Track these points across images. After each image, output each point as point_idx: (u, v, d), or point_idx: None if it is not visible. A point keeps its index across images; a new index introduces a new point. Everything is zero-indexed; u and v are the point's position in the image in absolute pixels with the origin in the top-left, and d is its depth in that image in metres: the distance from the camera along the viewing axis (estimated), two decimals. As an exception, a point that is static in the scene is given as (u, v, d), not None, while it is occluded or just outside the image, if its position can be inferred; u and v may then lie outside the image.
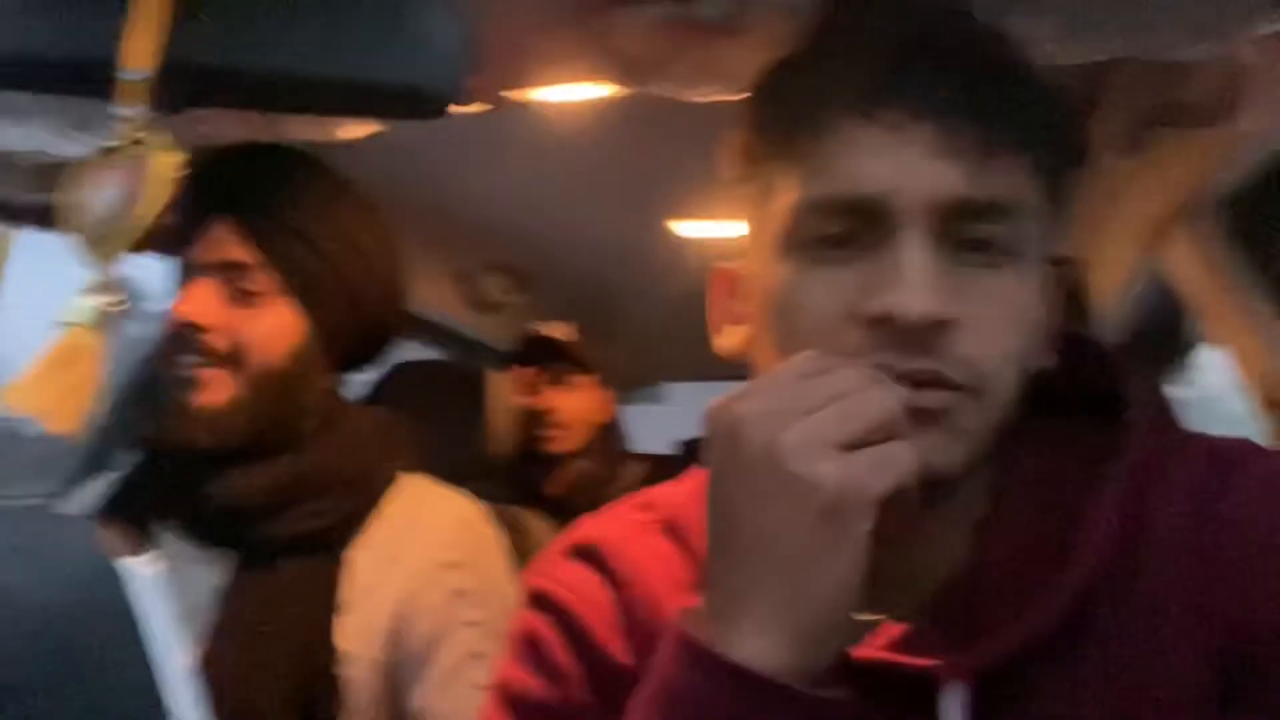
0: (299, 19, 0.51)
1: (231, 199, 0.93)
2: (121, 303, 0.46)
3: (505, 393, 1.54)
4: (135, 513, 0.96)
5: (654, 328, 2.06)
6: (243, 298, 0.92)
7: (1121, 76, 0.90)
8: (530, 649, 0.62)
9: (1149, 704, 0.51)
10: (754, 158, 0.57)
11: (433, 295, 2.03)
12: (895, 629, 0.54)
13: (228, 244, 0.92)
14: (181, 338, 0.90)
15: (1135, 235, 1.33)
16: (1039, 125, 0.53)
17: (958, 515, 0.56)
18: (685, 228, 1.86)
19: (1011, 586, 0.53)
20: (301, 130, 0.93)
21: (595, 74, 0.80)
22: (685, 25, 0.71)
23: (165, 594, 0.31)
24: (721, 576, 0.49)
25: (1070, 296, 1.28)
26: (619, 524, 0.65)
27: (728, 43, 0.72)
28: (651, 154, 1.49)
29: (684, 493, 0.64)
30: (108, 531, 0.32)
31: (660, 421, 2.49)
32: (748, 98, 0.58)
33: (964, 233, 0.51)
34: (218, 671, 0.86)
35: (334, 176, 1.00)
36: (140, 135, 0.44)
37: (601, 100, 1.03)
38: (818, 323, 0.52)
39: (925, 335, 0.50)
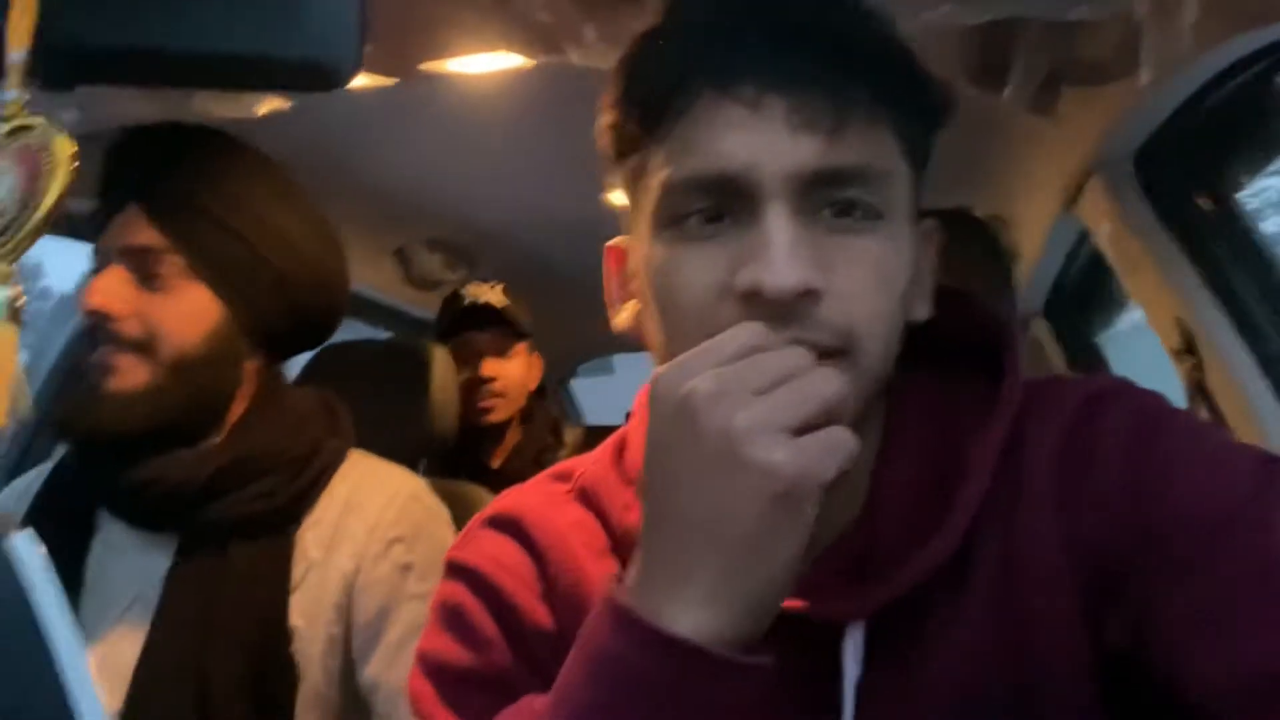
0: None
1: (138, 182, 0.91)
2: (24, 293, 0.46)
3: (448, 369, 1.53)
4: (75, 501, 0.96)
5: (599, 300, 2.07)
6: (153, 282, 0.90)
7: (1026, 36, 0.92)
8: (453, 618, 0.63)
9: (1028, 625, 0.54)
10: (625, 136, 0.57)
11: (373, 274, 2.01)
12: (805, 578, 0.56)
13: (136, 228, 0.90)
14: (94, 326, 0.89)
15: (1053, 192, 1.37)
16: (895, 89, 0.54)
17: (853, 467, 0.58)
18: (624, 198, 1.86)
19: (902, 532, 0.56)
20: (217, 107, 0.93)
21: (506, 43, 0.81)
22: (589, -8, 0.72)
23: (51, 573, 0.31)
24: (661, 550, 0.49)
25: (992, 253, 1.31)
26: (537, 495, 0.66)
27: (633, 9, 0.73)
28: (584, 126, 1.49)
29: (598, 462, 0.65)
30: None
31: (609, 393, 2.51)
32: (614, 75, 0.58)
33: (827, 200, 0.53)
34: (168, 656, 0.88)
35: (248, 155, 0.98)
36: (26, 120, 0.44)
37: (529, 72, 1.03)
38: (693, 300, 0.53)
39: (793, 306, 0.51)
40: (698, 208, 0.54)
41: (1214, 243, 1.13)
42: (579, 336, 2.48)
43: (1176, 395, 1.22)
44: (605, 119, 0.59)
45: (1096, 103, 1.07)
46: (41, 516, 0.96)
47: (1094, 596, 0.54)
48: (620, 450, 0.65)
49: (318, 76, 0.54)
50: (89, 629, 0.91)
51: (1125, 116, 1.08)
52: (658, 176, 0.54)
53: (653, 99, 0.54)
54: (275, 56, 0.52)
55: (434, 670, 0.62)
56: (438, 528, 1.03)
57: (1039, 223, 1.52)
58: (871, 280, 0.53)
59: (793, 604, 0.55)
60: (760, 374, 0.47)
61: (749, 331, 0.49)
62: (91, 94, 0.53)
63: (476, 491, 1.45)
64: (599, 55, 0.80)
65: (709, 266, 0.53)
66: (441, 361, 1.47)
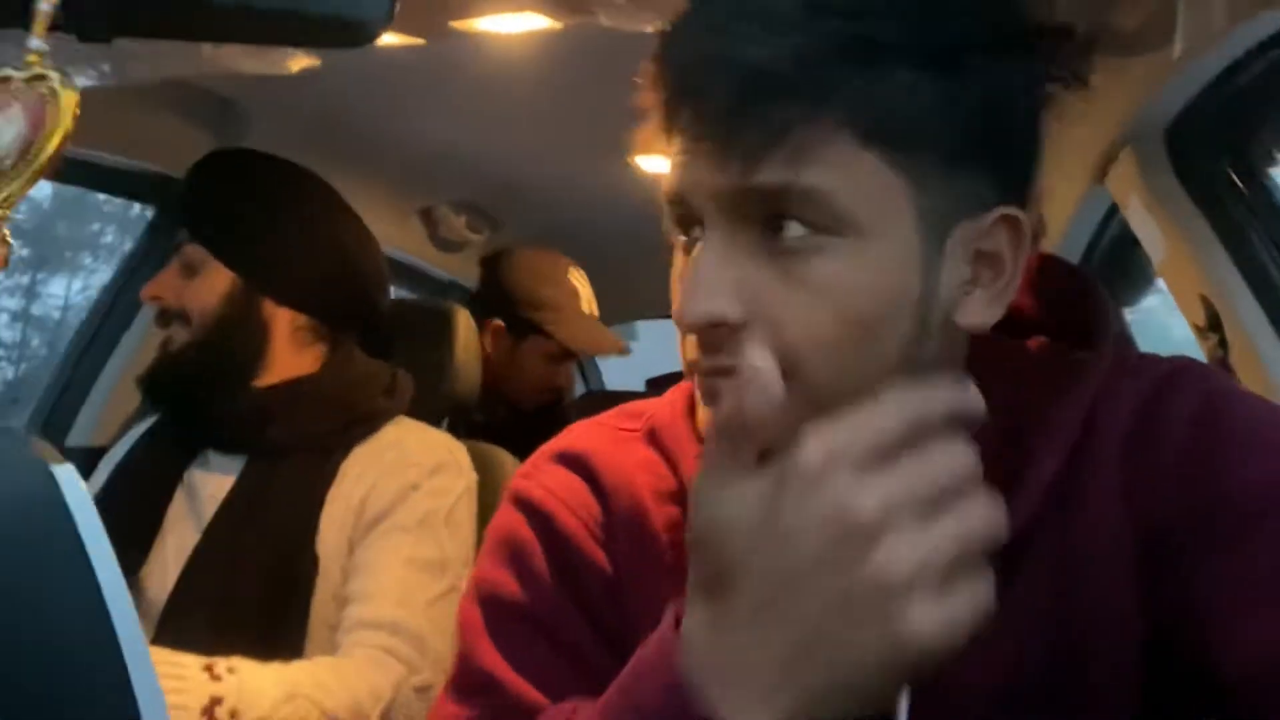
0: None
1: (186, 214, 1.20)
2: (7, 240, 0.47)
3: (471, 330, 1.55)
4: (182, 434, 1.19)
5: (622, 265, 2.07)
6: (189, 271, 1.15)
7: (1056, 6, 0.91)
8: (509, 550, 0.63)
9: (1083, 605, 0.55)
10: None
11: (399, 235, 2.03)
12: None
13: (181, 239, 1.18)
14: (157, 311, 1.17)
15: (1082, 165, 1.36)
16: (852, 105, 0.50)
17: None
18: (649, 162, 1.86)
19: None
20: (248, 63, 0.94)
21: (534, 4, 0.81)
22: (617, -46, 0.72)
23: (93, 503, 0.33)
24: (734, 630, 0.45)
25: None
26: (605, 433, 0.66)
27: (660, -29, 0.72)
28: (612, 89, 1.49)
29: (670, 405, 0.65)
30: (42, 441, 0.34)
31: (632, 359, 2.51)
32: (646, 66, 0.55)
33: (763, 221, 0.51)
34: (219, 538, 1.08)
35: (259, 161, 1.20)
36: (42, 70, 0.45)
37: (555, 34, 1.03)
38: (676, 317, 0.53)
39: (717, 334, 0.50)
40: (677, 223, 0.54)
41: (1243, 220, 1.12)
42: (602, 302, 2.49)
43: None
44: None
45: (1128, 75, 1.06)
46: (153, 442, 1.20)
47: (1147, 576, 0.54)
48: (692, 406, 0.65)
49: (348, 31, 0.54)
50: (179, 519, 1.12)
51: (1157, 90, 1.07)
52: None
53: (651, 108, 0.54)
54: (305, 10, 0.52)
55: (485, 599, 0.63)
56: (455, 477, 1.15)
57: (1068, 196, 1.51)
58: (813, 301, 0.50)
59: None
60: (926, 485, 0.43)
61: (909, 406, 0.45)
62: (124, 48, 0.54)
63: (498, 452, 1.47)
64: (627, 17, 0.80)
65: (679, 281, 0.54)
66: (464, 323, 1.49)
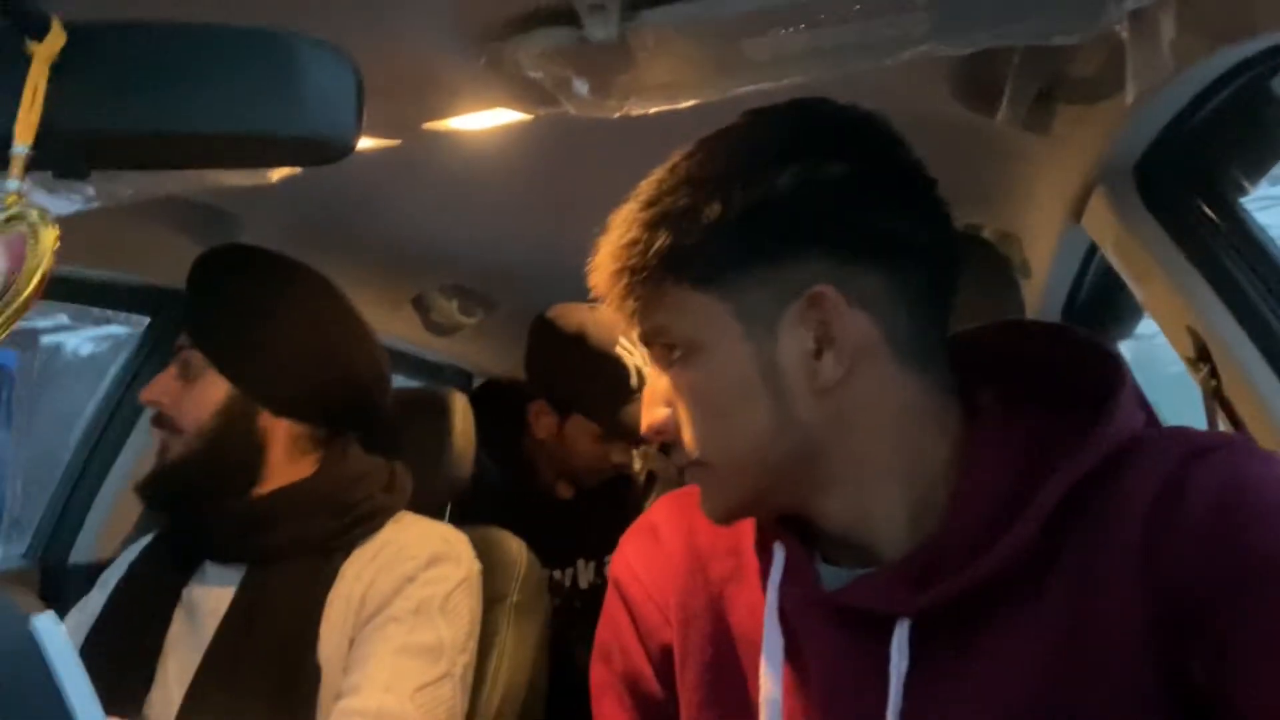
0: (191, 81, 0.53)
1: (188, 321, 1.19)
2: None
3: (468, 416, 1.55)
4: (178, 547, 1.18)
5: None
6: (188, 375, 1.14)
7: (1012, 60, 0.94)
8: (606, 615, 0.78)
9: (1090, 652, 0.57)
10: None
11: (394, 324, 2.05)
12: (871, 577, 0.65)
13: (182, 342, 1.17)
14: (154, 415, 1.16)
15: (1058, 206, 1.37)
16: (661, 268, 0.66)
17: (927, 497, 0.65)
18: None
19: (963, 548, 0.61)
20: (229, 177, 0.96)
21: (503, 101, 0.83)
22: (577, 48, 0.74)
23: (74, 650, 0.33)
24: None
25: (996, 273, 1.31)
26: (680, 499, 0.78)
27: (619, 62, 0.75)
28: (589, 168, 1.52)
29: None
30: (19, 588, 0.34)
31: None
32: None
33: (663, 349, 0.68)
34: (222, 651, 1.05)
35: (261, 264, 1.19)
36: (21, 209, 0.46)
37: (529, 123, 1.05)
38: None
39: (663, 437, 0.69)
40: None
41: (1220, 249, 1.13)
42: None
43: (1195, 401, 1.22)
44: None
45: (1092, 118, 1.08)
46: (149, 560, 1.18)
47: (1171, 635, 0.56)
48: None
49: (320, 150, 0.56)
50: (180, 639, 1.10)
51: (1121, 131, 1.08)
52: None
53: None
54: (278, 134, 0.54)
55: (598, 658, 0.78)
56: (453, 569, 1.13)
57: (1047, 237, 1.52)
58: (692, 404, 0.68)
59: (852, 598, 0.63)
60: None
61: None
62: (106, 172, 0.56)
63: (505, 537, 1.46)
64: (593, 106, 0.83)
65: None
66: (461, 409, 1.49)
